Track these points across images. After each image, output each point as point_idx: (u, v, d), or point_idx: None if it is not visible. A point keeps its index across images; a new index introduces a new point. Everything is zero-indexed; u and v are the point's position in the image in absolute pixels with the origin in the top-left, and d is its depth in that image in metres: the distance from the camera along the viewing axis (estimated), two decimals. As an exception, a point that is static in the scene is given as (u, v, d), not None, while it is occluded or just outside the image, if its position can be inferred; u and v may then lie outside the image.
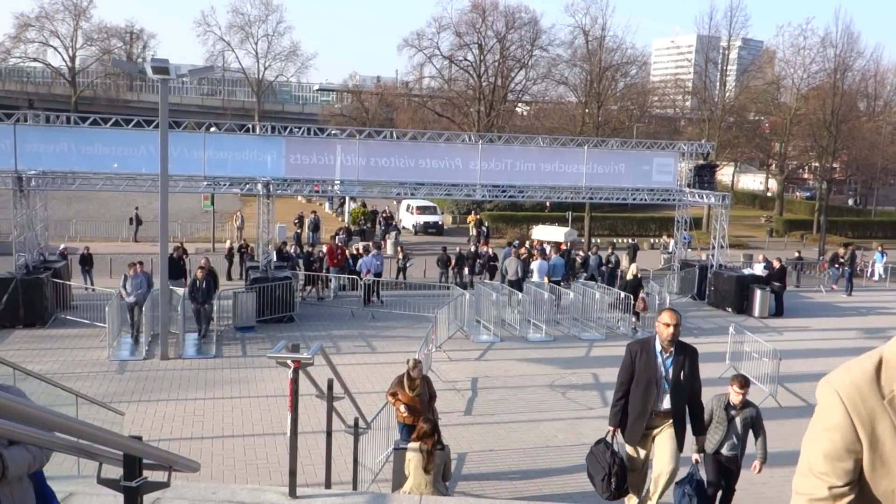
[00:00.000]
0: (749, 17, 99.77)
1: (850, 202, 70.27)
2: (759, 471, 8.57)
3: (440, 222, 44.54)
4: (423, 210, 44.55)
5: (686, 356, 6.82)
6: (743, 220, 54.96)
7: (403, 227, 43.80)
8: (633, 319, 20.58)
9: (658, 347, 6.76)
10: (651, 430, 6.97)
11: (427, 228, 43.35)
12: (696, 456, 8.17)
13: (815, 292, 28.60)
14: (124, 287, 17.73)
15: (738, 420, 8.52)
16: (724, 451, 8.44)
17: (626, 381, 6.91)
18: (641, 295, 20.71)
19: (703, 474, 8.19)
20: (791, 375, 15.75)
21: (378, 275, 23.24)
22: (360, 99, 71.10)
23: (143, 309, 17.20)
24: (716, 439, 8.48)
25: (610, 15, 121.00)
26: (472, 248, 28.22)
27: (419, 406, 9.74)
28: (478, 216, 43.03)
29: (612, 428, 7.10)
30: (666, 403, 6.81)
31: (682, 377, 6.78)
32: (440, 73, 60.26)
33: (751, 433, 8.60)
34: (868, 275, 32.04)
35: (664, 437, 6.97)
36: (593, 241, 38.03)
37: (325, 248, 26.84)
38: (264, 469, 10.67)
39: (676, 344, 6.78)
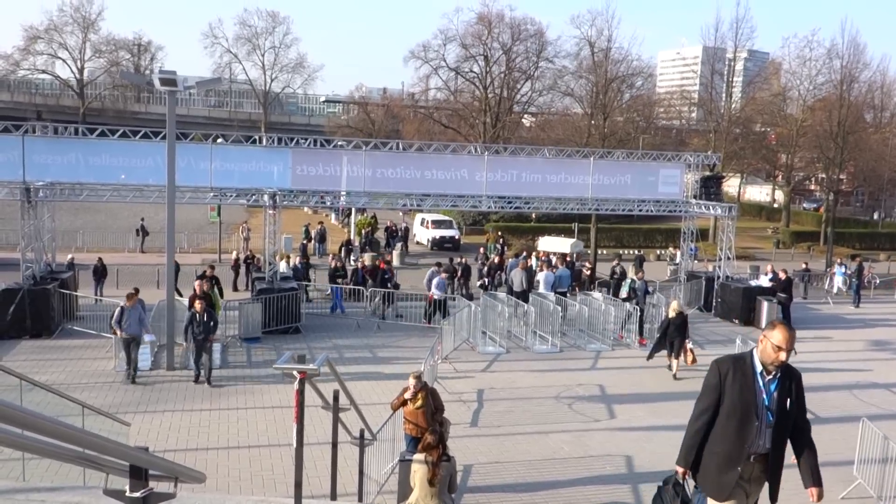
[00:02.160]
0: (755, 29, 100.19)
1: (875, 215, 69.65)
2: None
3: (456, 237, 42.34)
4: (438, 224, 42.94)
5: (793, 381, 5.29)
6: (750, 231, 54.85)
7: (418, 242, 42.83)
8: (672, 366, 17.10)
9: (758, 367, 5.23)
10: (745, 483, 5.28)
11: (443, 243, 41.02)
12: None
13: (823, 304, 28.49)
14: (119, 323, 15.22)
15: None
16: None
17: (710, 409, 5.26)
18: (689, 345, 17.44)
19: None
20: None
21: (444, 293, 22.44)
22: (367, 110, 71.39)
23: (140, 345, 15.70)
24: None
25: (616, 27, 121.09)
26: (496, 260, 28.37)
27: (422, 420, 9.62)
28: (498, 232, 42.43)
29: (681, 470, 5.50)
30: (769, 444, 5.21)
31: (788, 408, 5.23)
32: (446, 84, 60.54)
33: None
34: (827, 287, 31.62)
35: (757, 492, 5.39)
36: (620, 254, 37.81)
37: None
38: (270, 480, 10.64)
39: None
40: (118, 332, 15.33)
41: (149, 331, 15.80)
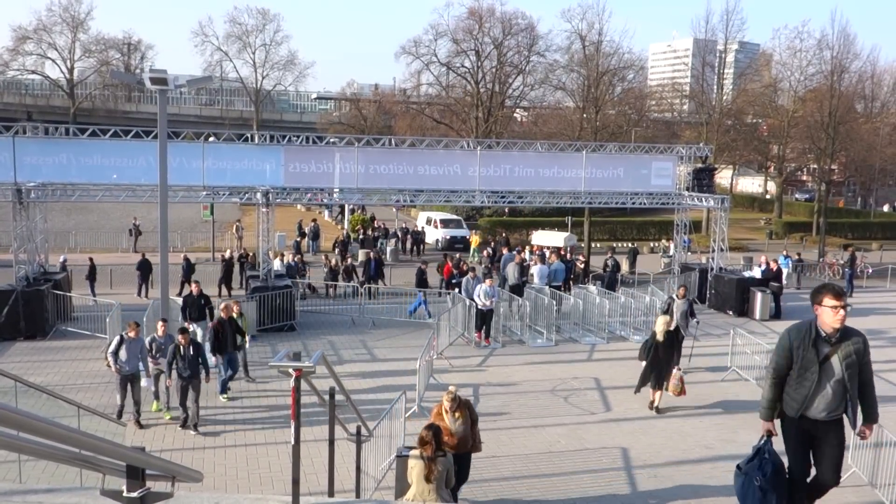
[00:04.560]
0: (745, 21, 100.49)
1: (885, 207, 69.84)
2: (867, 436, 6.08)
3: (468, 236, 39.50)
4: (446, 223, 41.04)
5: None
6: (742, 222, 55.02)
7: (425, 242, 40.70)
8: (654, 399, 14.02)
9: None
10: None
11: (454, 244, 38.62)
12: (767, 425, 5.98)
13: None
14: (115, 354, 12.81)
15: (836, 360, 5.68)
16: (816, 413, 5.77)
17: None
18: (677, 373, 14.03)
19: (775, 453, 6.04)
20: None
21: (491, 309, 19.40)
22: (359, 107, 71.35)
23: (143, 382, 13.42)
24: (801, 395, 5.74)
25: (606, 20, 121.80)
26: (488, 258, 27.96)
27: (465, 438, 9.01)
28: (502, 233, 40.87)
29: None
30: None
31: None
32: (438, 80, 60.45)
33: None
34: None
35: None
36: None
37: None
38: (267, 478, 10.65)
39: None
40: (112, 367, 12.93)
41: (148, 371, 13.40)
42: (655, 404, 13.92)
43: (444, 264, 24.50)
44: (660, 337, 13.69)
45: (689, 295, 17.98)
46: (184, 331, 13.17)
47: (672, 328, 14.03)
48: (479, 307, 19.03)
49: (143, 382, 13.37)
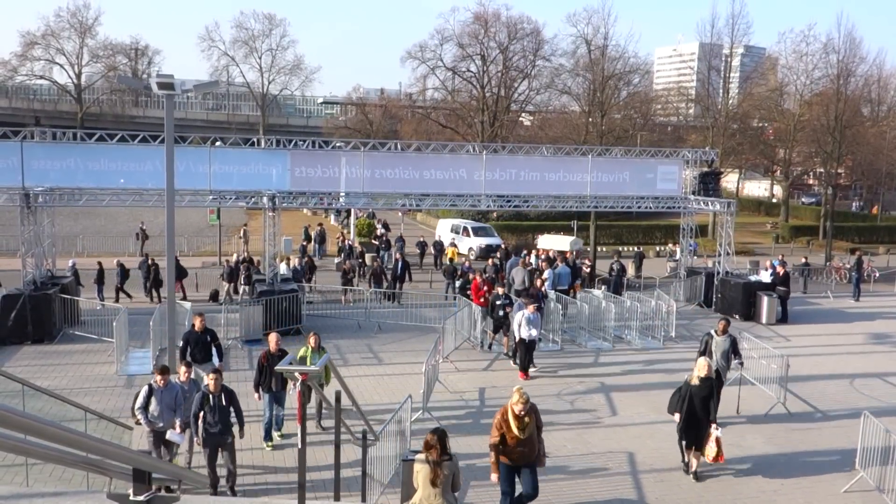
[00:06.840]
0: (751, 25, 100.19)
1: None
2: None
3: (502, 245, 37.54)
4: (477, 231, 40.14)
5: None
6: (748, 226, 54.92)
7: (459, 253, 38.13)
8: (691, 462, 11.32)
9: None
10: None
11: (489, 252, 35.99)
12: None
13: (823, 298, 28.50)
14: (144, 409, 10.18)
15: None
16: None
17: None
18: (716, 432, 11.07)
19: None
20: (800, 382, 15.69)
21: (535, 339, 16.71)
22: (364, 111, 71.47)
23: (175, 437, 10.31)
24: None
25: (612, 24, 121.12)
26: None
27: (530, 447, 8.49)
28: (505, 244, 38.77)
29: None
30: None
31: None
32: (443, 84, 60.50)
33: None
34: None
35: None
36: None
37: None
38: (273, 481, 10.65)
39: None
40: (141, 421, 10.39)
41: (183, 426, 10.23)
42: (692, 469, 11.22)
43: (472, 280, 21.59)
44: (695, 381, 10.99)
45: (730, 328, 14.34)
46: (216, 371, 10.38)
47: (706, 375, 11.08)
48: (523, 338, 16.29)
49: (170, 435, 10.23)
